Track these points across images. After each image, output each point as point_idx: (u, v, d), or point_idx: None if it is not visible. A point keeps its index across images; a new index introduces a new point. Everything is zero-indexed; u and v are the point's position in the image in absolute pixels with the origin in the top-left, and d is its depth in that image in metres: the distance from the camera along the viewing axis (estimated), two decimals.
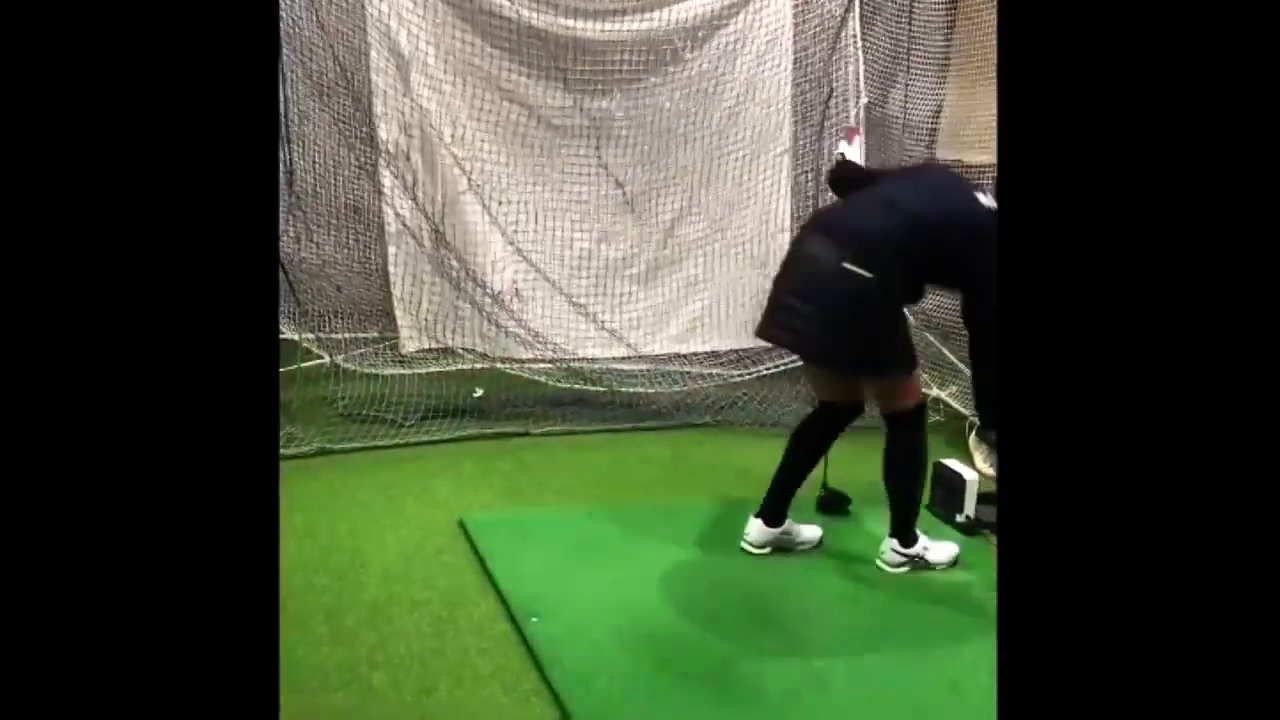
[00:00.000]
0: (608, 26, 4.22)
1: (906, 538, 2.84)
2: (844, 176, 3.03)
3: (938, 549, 2.88)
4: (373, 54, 3.98)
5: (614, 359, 4.48)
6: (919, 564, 2.84)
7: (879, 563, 2.86)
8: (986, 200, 2.64)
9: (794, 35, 4.53)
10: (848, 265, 2.49)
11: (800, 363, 4.40)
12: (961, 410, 4.05)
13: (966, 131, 4.82)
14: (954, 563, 2.89)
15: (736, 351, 4.59)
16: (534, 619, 2.45)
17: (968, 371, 3.77)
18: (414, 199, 4.05)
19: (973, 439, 3.69)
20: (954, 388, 4.17)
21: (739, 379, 4.49)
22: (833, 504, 3.26)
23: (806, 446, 2.93)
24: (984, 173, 4.58)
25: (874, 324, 2.56)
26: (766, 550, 2.90)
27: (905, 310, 2.77)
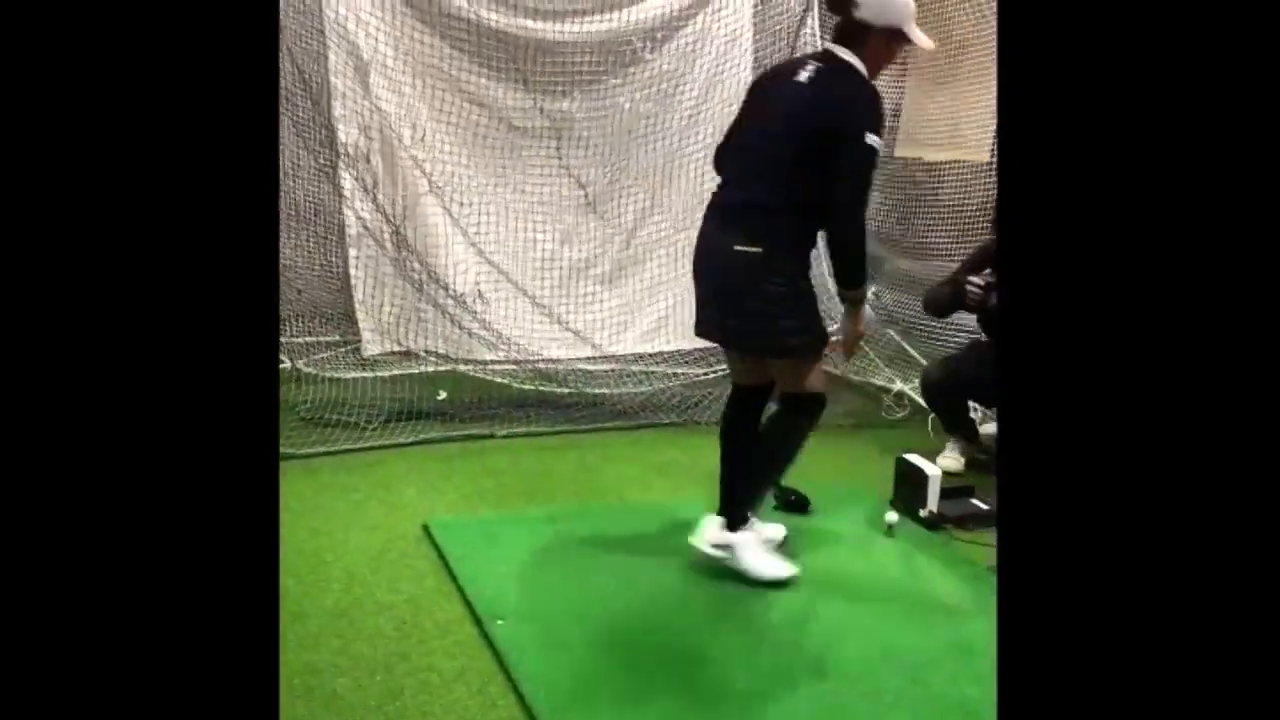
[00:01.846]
0: (567, 27, 4.23)
1: (735, 518, 2.71)
2: (724, 145, 2.83)
3: (754, 555, 2.72)
4: (331, 56, 3.96)
5: (579, 360, 4.48)
6: (727, 553, 2.71)
7: (692, 539, 2.74)
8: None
9: (754, 35, 4.56)
10: (739, 248, 2.55)
11: None
12: (925, 404, 4.08)
13: (924, 130, 4.88)
14: (775, 576, 2.72)
15: (700, 350, 4.60)
16: (499, 621, 2.44)
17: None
18: (374, 201, 4.03)
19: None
20: (916, 382, 4.20)
21: (703, 378, 4.51)
22: (793, 504, 3.28)
23: (736, 438, 2.84)
24: (943, 170, 4.65)
25: (764, 296, 2.56)
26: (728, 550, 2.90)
27: (813, 292, 2.68)
